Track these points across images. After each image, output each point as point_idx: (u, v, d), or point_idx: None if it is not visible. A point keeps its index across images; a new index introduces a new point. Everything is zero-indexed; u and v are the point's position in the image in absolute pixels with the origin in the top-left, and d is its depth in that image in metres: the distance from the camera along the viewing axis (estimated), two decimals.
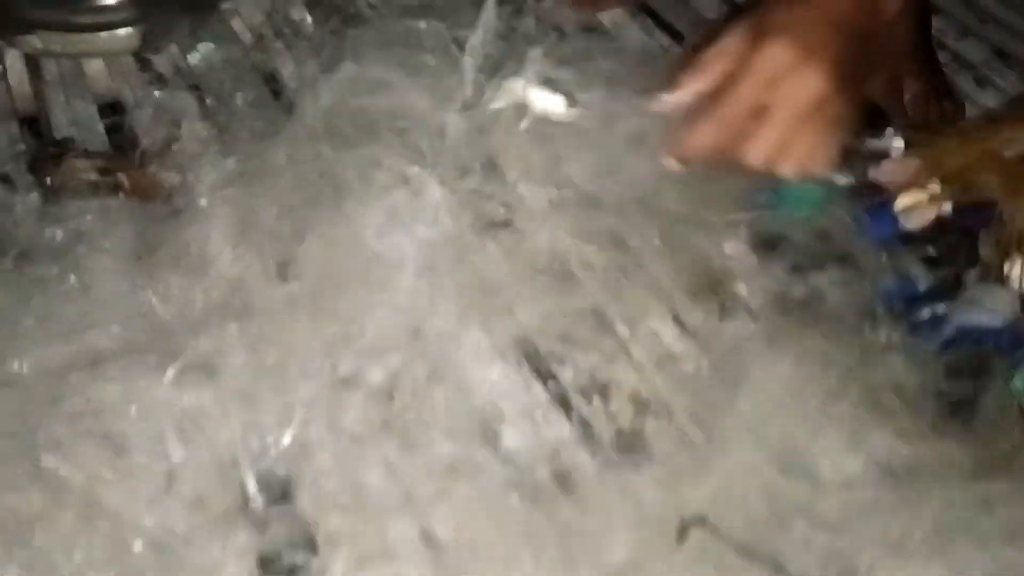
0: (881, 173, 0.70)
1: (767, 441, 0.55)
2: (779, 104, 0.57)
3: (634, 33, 0.85)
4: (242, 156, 0.63)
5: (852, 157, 0.71)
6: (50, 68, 0.70)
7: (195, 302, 0.55)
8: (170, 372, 0.51)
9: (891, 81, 0.77)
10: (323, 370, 0.55)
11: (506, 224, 0.63)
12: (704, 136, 0.60)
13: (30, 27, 0.69)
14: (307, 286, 0.58)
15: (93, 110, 0.66)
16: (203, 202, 0.58)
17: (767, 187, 0.66)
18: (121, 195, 0.58)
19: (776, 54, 0.56)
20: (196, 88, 0.70)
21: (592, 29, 0.83)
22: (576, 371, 0.58)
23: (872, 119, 0.74)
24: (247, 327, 0.54)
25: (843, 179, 0.69)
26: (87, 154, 0.60)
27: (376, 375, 0.55)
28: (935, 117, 0.77)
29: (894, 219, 0.66)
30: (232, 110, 0.68)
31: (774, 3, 0.58)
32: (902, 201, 0.66)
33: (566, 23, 0.77)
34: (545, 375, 0.58)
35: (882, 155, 0.71)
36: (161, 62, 0.72)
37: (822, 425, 0.56)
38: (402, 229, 0.61)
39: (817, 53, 0.56)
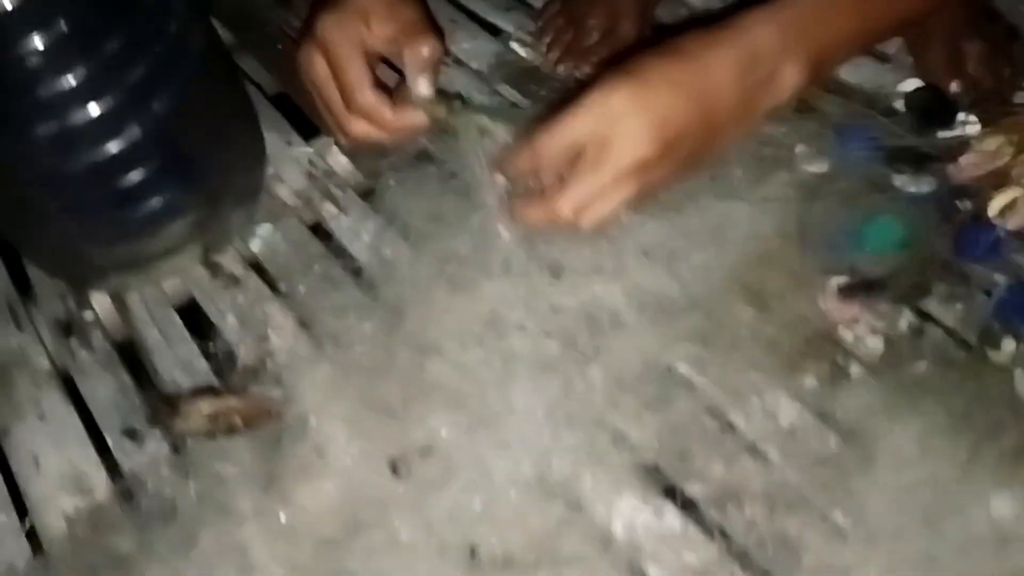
0: (962, 170, 0.66)
1: (917, 512, 0.54)
2: (596, 166, 0.54)
3: None
4: (333, 349, 0.65)
5: (924, 159, 0.67)
6: (134, 300, 0.74)
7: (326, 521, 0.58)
8: None
9: (949, 55, 0.72)
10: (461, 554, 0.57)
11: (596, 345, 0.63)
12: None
13: (104, 272, 0.72)
14: (421, 476, 0.59)
15: (191, 346, 0.69)
16: (312, 420, 0.61)
17: (846, 231, 0.64)
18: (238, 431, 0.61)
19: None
20: (269, 282, 0.72)
21: None
22: (704, 483, 0.58)
23: (936, 111, 0.69)
24: (373, 536, 0.57)
25: (922, 188, 0.66)
26: (197, 395, 0.63)
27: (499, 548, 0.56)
28: (1006, 73, 0.72)
29: (990, 226, 0.62)
30: (309, 297, 0.70)
31: (652, 57, 0.54)
32: (995, 204, 0.62)
33: None
34: (675, 496, 0.58)
35: (958, 149, 0.67)
36: (227, 260, 0.74)
37: (966, 485, 0.54)
38: (499, 380, 0.62)
39: (658, 124, 0.52)
